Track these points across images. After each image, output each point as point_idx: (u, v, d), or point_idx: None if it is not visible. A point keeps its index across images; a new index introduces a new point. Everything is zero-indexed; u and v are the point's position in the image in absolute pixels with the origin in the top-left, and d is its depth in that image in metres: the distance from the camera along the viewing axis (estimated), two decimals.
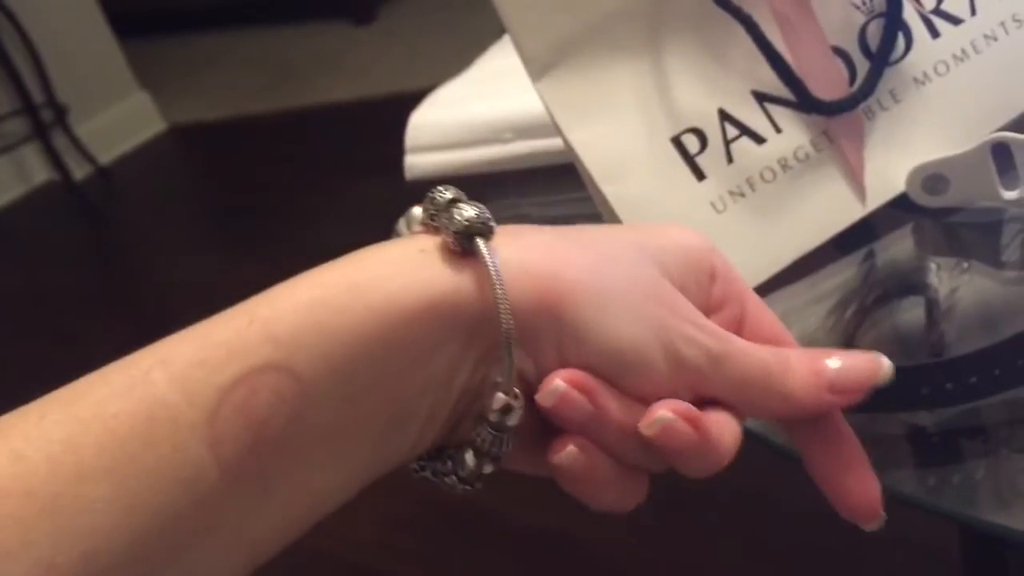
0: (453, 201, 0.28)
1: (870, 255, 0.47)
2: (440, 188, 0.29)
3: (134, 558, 0.22)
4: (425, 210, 0.29)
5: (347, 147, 2.34)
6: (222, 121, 2.68)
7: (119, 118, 2.68)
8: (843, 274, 0.47)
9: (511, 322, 0.26)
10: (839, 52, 0.46)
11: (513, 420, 0.27)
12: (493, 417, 0.27)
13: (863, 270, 0.47)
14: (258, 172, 2.40)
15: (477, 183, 0.61)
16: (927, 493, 0.36)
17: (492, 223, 0.28)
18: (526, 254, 0.28)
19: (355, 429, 0.25)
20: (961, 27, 0.46)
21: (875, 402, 0.37)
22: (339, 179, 2.20)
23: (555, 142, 0.55)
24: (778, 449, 0.38)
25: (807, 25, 0.44)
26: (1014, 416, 0.37)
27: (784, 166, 0.45)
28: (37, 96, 2.47)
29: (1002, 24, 0.47)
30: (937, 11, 0.46)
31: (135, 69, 2.74)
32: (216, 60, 3.02)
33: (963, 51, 0.46)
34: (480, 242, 0.27)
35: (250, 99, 2.72)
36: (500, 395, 0.27)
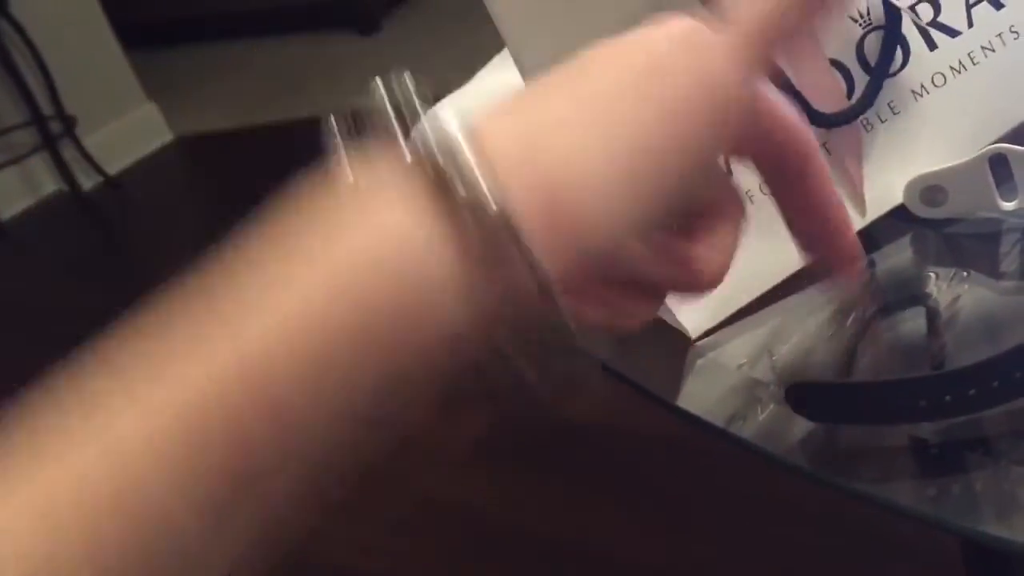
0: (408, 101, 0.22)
1: (870, 265, 0.47)
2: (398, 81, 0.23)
3: None
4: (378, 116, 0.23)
5: None
6: (229, 131, 2.69)
7: (126, 129, 2.70)
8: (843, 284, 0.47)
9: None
10: (837, 65, 0.46)
11: None
12: None
13: (863, 280, 0.48)
14: (265, 182, 2.40)
15: None
16: (928, 504, 0.36)
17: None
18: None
19: None
20: (958, 39, 0.47)
21: (875, 414, 0.38)
22: None
23: None
24: (776, 460, 0.39)
25: (805, 39, 0.45)
26: (1014, 427, 0.37)
27: None
28: (45, 107, 2.49)
29: (999, 36, 0.47)
30: (934, 23, 0.46)
31: (142, 80, 2.75)
32: (223, 71, 3.03)
33: (960, 63, 0.47)
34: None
35: (257, 109, 2.73)
36: None
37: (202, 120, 2.78)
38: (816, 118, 0.45)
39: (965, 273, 0.47)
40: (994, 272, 0.46)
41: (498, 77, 0.68)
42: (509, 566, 1.24)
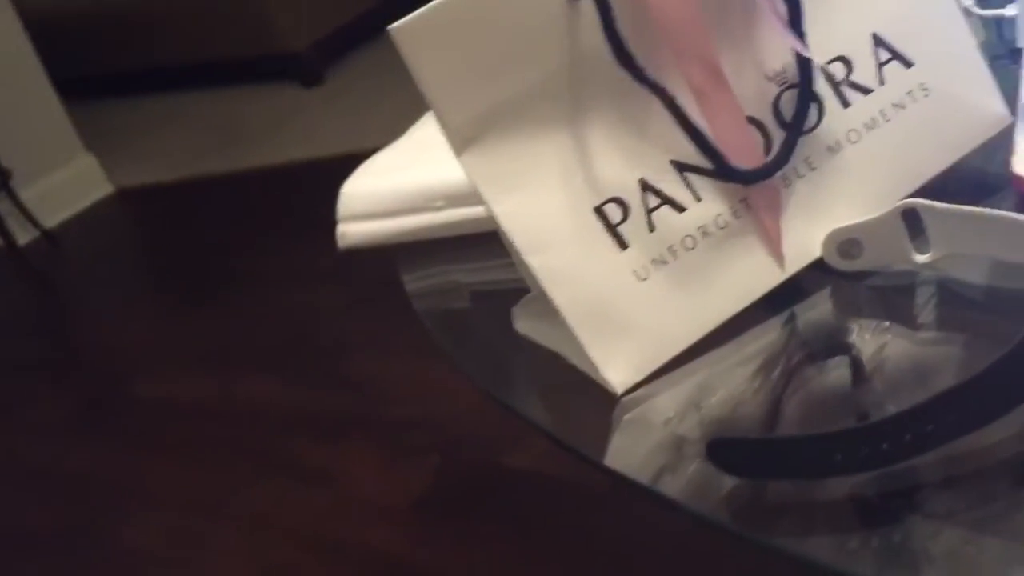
0: None
1: (791, 318, 0.48)
2: None
3: None
4: None
5: (296, 208, 2.33)
6: (170, 183, 2.67)
7: (65, 181, 2.66)
8: (766, 337, 0.48)
9: None
10: (755, 122, 0.47)
11: None
12: None
13: (785, 332, 0.48)
14: (207, 234, 2.38)
15: (407, 250, 0.61)
16: (847, 558, 0.36)
17: None
18: None
19: None
20: (871, 96, 0.48)
21: (794, 468, 0.38)
22: (289, 240, 2.20)
23: (485, 211, 0.56)
24: (699, 517, 0.39)
25: (722, 97, 0.46)
26: (929, 480, 0.38)
27: (705, 234, 0.46)
28: None
29: (910, 93, 0.48)
30: (847, 81, 0.48)
31: (81, 132, 2.72)
32: (164, 122, 3.01)
33: (873, 119, 0.48)
34: None
35: (198, 161, 2.71)
36: None
37: (143, 172, 2.75)
38: (734, 175, 0.46)
39: (886, 324, 0.47)
40: (912, 323, 0.47)
41: (425, 133, 0.68)
42: None
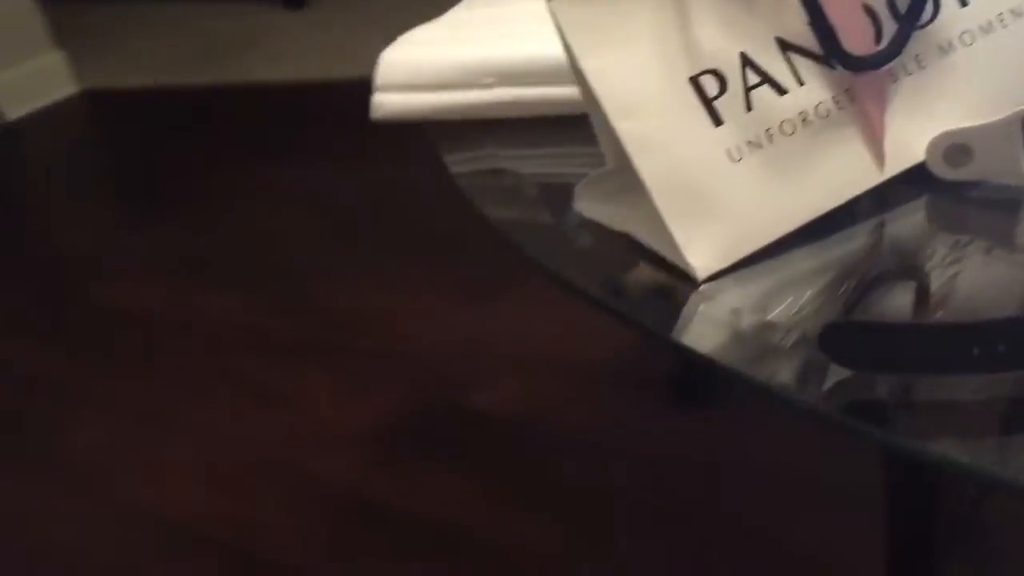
0: None
1: (880, 227, 0.45)
2: None
3: None
4: None
5: (269, 129, 2.25)
6: (138, 90, 2.57)
7: (30, 75, 2.54)
8: (848, 245, 0.44)
9: None
10: (867, 11, 0.43)
11: None
12: None
13: (868, 244, 0.45)
14: (172, 145, 2.29)
15: (450, 129, 0.57)
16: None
17: None
18: None
19: None
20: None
21: (915, 363, 0.34)
22: (259, 161, 2.12)
23: (540, 91, 0.52)
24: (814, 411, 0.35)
25: None
26: None
27: (804, 120, 0.43)
28: None
29: None
30: None
31: (53, 28, 2.60)
32: (139, 27, 2.89)
33: (990, 23, 0.45)
34: None
35: (170, 71, 2.61)
36: None
37: (112, 76, 2.64)
38: (845, 59, 0.42)
39: (972, 245, 0.44)
40: (1007, 243, 0.44)
41: (470, 15, 0.63)
42: (402, 552, 1.19)
